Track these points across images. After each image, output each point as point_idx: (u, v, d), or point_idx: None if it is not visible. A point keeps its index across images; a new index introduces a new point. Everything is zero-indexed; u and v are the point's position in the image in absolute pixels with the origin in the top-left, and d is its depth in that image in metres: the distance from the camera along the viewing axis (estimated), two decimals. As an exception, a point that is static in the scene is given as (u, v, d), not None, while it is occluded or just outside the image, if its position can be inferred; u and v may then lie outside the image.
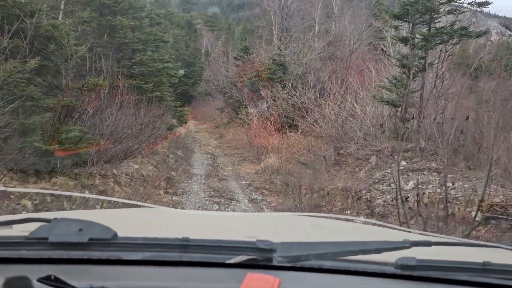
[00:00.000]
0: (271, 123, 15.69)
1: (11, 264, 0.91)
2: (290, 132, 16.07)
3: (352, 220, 2.00)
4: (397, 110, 10.08)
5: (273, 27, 20.96)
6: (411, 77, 9.77)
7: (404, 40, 9.70)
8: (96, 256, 0.91)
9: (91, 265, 0.91)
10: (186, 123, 16.64)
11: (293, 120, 16.86)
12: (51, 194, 5.78)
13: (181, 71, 20.38)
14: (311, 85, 17.09)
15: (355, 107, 13.28)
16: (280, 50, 19.05)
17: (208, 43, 45.23)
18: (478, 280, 0.92)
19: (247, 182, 10.83)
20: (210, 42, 44.93)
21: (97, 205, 5.75)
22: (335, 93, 15.94)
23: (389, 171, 7.29)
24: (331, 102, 15.27)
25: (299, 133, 16.56)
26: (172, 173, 10.64)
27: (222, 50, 32.92)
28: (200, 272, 0.92)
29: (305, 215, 2.29)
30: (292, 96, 16.73)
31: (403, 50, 11.51)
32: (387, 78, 10.46)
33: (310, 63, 18.63)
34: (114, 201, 4.64)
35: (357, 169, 8.06)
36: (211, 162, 13.00)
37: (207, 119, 24.66)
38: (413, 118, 10.11)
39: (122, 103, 8.86)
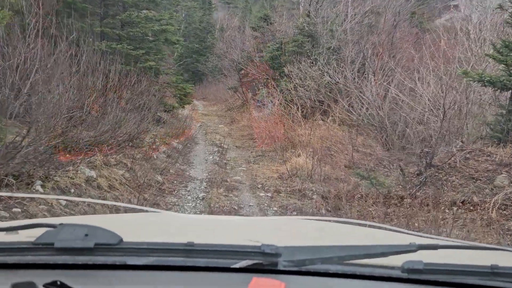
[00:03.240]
0: (297, 108, 11.86)
1: (18, 269, 0.89)
2: (322, 120, 12.24)
3: (357, 224, 1.67)
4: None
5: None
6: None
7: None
8: (101, 261, 0.89)
9: (96, 270, 0.89)
10: (190, 103, 12.88)
11: (322, 104, 13.02)
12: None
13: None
14: (349, 60, 13.15)
15: (416, 88, 9.40)
16: (309, 16, 15.01)
17: (223, 18, 41.17)
18: (485, 284, 0.88)
19: (268, 194, 7.11)
20: (226, 18, 40.86)
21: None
22: (381, 71, 12.01)
23: None
24: (379, 80, 11.37)
25: (328, 120, 12.76)
26: (158, 177, 6.96)
27: (238, 25, 28.88)
28: (205, 277, 0.90)
29: (310, 219, 2.21)
30: (324, 74, 12.82)
31: None
32: (492, 44, 6.50)
33: (346, 35, 14.61)
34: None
35: (474, 198, 4.27)
36: (217, 159, 9.27)
37: (217, 100, 20.83)
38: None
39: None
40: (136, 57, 10.09)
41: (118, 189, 5.49)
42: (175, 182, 7.14)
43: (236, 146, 10.81)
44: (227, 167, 8.69)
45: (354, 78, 12.40)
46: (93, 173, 5.28)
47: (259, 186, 7.58)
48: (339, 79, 12.59)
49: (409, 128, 9.91)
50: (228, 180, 7.61)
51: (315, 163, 8.33)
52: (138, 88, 7.54)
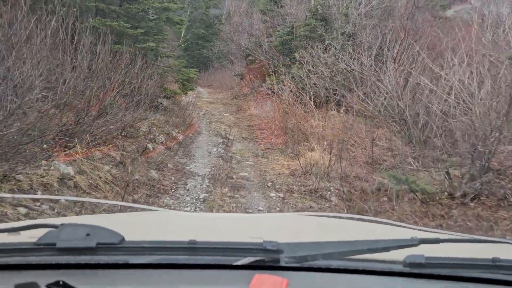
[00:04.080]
0: (310, 98, 10.75)
1: (20, 270, 0.88)
2: (337, 110, 11.13)
3: (358, 219, 1.67)
4: None
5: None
6: None
7: None
8: (103, 260, 0.88)
9: (99, 270, 0.88)
10: (193, 89, 11.80)
11: (336, 93, 11.89)
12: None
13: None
14: (366, 46, 11.98)
15: (447, 76, 8.27)
16: (323, -1, 13.80)
17: (230, 5, 39.79)
18: (487, 277, 0.88)
19: (280, 195, 6.09)
20: (233, 5, 39.47)
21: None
22: (402, 57, 10.86)
23: None
24: (399, 67, 10.27)
25: (342, 110, 11.69)
26: (153, 173, 5.94)
27: (246, 11, 27.61)
28: (208, 275, 0.89)
29: (311, 215, 2.16)
30: (339, 60, 11.66)
31: None
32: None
33: (362, 19, 13.41)
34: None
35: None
36: (222, 152, 8.23)
37: (223, 87, 19.69)
38: None
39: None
40: (134, 37, 9.02)
41: (101, 189, 4.47)
42: (172, 178, 6.12)
43: (242, 137, 9.77)
44: (233, 161, 7.66)
45: (371, 65, 11.29)
46: (70, 170, 4.26)
47: (269, 184, 6.56)
48: (354, 66, 11.47)
49: (431, 120, 8.86)
50: (233, 176, 6.59)
51: (332, 159, 7.29)
52: (132, 69, 6.49)
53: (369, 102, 10.63)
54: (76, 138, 4.65)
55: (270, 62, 14.52)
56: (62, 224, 0.91)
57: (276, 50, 14.81)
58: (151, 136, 7.06)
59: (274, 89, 11.10)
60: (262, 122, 11.02)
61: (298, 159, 7.49)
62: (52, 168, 4.10)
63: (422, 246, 0.92)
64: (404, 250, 0.90)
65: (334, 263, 0.89)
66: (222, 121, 11.63)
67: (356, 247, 0.91)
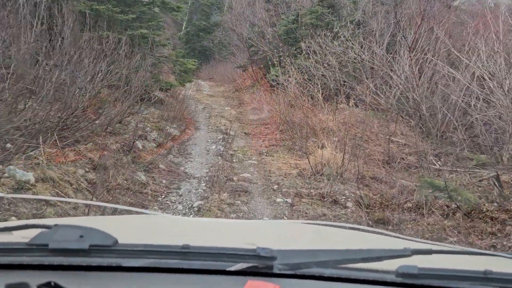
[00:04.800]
0: (318, 90, 9.85)
1: (11, 270, 0.86)
2: (348, 103, 10.26)
3: (353, 228, 1.64)
4: None
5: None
6: None
7: None
8: (96, 262, 0.86)
9: (91, 272, 0.87)
10: (191, 81, 10.91)
11: (344, 85, 11.01)
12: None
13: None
14: (377, 34, 11.04)
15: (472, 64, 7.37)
16: (331, -16, 12.85)
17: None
18: None
19: (288, 200, 5.25)
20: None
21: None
22: (417, 45, 9.93)
23: None
24: (415, 56, 9.38)
25: (350, 104, 10.86)
26: (141, 175, 5.11)
27: (248, 2, 26.59)
28: (201, 280, 0.88)
29: (307, 223, 2.14)
30: (349, 50, 10.73)
31: None
32: None
33: (371, 5, 12.47)
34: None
35: None
36: (222, 149, 7.36)
37: (225, 80, 18.78)
38: None
39: None
40: (124, 22, 8.16)
41: (71, 199, 3.64)
42: (164, 182, 5.29)
43: (244, 133, 8.90)
44: (234, 160, 6.82)
45: (383, 55, 10.40)
46: (30, 176, 3.42)
47: (275, 187, 5.72)
48: (365, 55, 10.56)
49: (450, 113, 8.06)
50: (234, 178, 5.76)
51: (345, 158, 6.44)
52: (117, 57, 5.63)
53: (381, 95, 9.80)
54: (40, 136, 3.82)
55: (274, 53, 13.64)
56: (55, 225, 0.90)
57: (280, 40, 13.91)
58: (141, 133, 6.21)
59: (278, 81, 10.21)
60: (266, 116, 10.15)
61: (307, 158, 6.63)
62: (5, 175, 3.28)
63: (414, 257, 0.90)
64: (397, 260, 0.89)
65: (327, 271, 0.88)
66: (223, 115, 10.76)
67: (349, 256, 0.90)
